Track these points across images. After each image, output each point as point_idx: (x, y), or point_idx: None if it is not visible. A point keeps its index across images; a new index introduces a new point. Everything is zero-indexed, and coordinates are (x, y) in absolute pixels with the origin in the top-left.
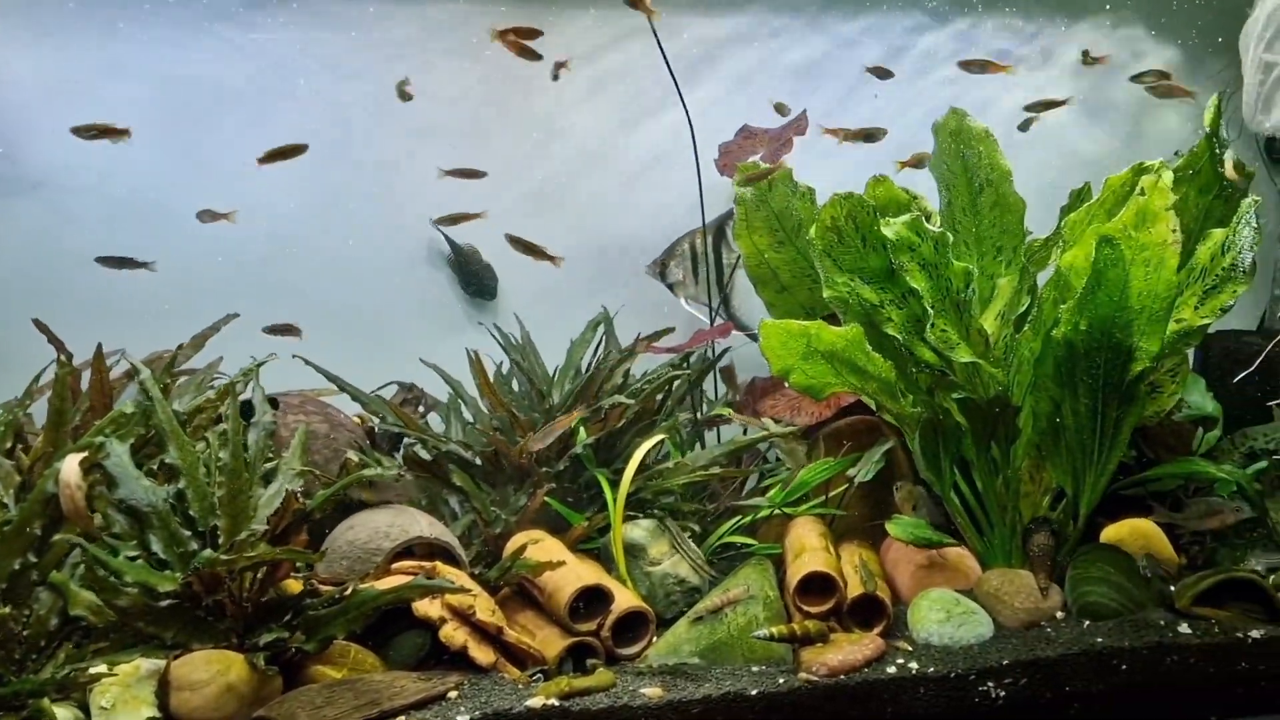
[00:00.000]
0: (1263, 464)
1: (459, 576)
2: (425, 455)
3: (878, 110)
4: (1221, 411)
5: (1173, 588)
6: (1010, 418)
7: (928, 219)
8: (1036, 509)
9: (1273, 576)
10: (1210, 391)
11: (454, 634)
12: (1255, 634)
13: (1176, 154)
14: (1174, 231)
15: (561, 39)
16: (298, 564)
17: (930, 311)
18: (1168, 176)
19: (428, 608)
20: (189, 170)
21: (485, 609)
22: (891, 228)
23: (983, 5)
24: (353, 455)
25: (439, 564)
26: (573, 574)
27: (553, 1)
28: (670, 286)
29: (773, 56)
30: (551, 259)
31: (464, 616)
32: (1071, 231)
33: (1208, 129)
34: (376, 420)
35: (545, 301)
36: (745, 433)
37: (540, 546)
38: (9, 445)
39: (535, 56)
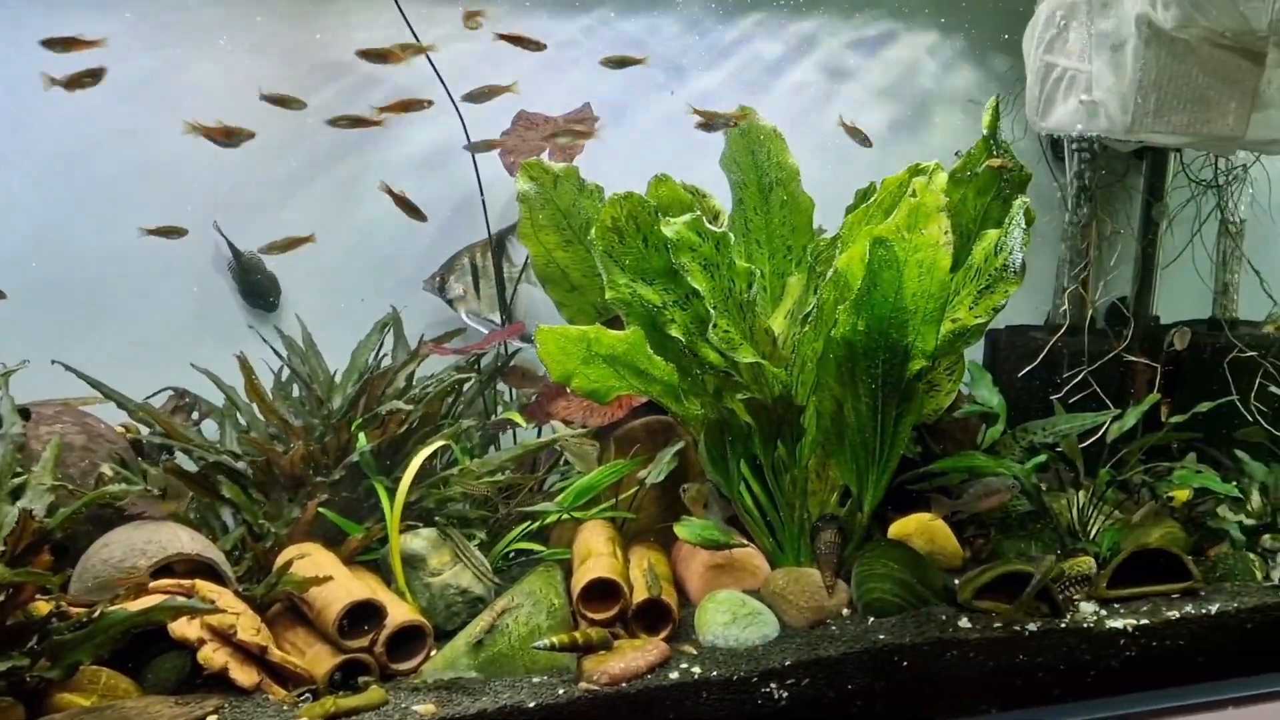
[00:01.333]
0: (1041, 457)
1: (222, 594)
2: (191, 465)
3: (676, 106)
4: (1005, 407)
5: (956, 581)
6: (795, 417)
7: (716, 218)
8: (825, 506)
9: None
10: (997, 386)
11: (213, 655)
12: (1032, 627)
13: (957, 154)
14: (945, 233)
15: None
16: (47, 586)
17: (713, 312)
18: (940, 177)
19: (185, 628)
20: None
21: (248, 628)
22: (672, 227)
23: (788, 6)
24: (107, 469)
25: (199, 582)
26: (342, 589)
27: None
28: (450, 302)
29: (577, 49)
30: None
31: (224, 636)
32: (850, 231)
33: (985, 131)
34: (145, 430)
35: (333, 311)
36: (539, 435)
37: (309, 560)
38: None
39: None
